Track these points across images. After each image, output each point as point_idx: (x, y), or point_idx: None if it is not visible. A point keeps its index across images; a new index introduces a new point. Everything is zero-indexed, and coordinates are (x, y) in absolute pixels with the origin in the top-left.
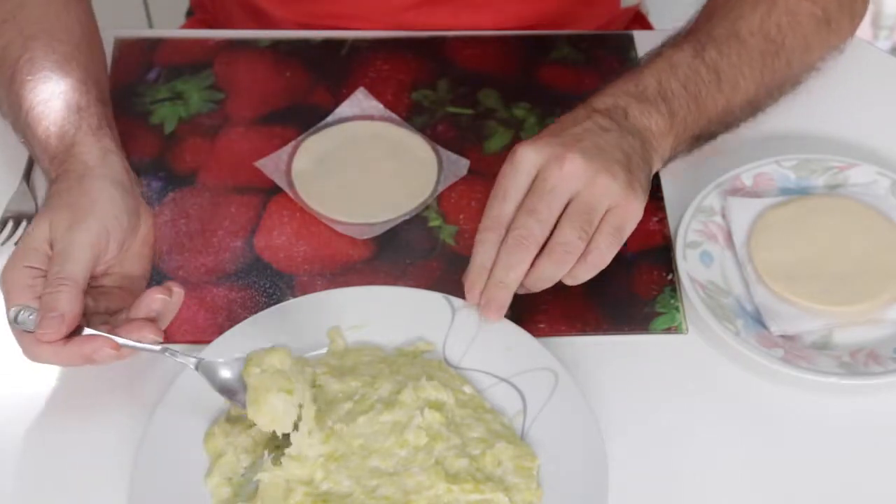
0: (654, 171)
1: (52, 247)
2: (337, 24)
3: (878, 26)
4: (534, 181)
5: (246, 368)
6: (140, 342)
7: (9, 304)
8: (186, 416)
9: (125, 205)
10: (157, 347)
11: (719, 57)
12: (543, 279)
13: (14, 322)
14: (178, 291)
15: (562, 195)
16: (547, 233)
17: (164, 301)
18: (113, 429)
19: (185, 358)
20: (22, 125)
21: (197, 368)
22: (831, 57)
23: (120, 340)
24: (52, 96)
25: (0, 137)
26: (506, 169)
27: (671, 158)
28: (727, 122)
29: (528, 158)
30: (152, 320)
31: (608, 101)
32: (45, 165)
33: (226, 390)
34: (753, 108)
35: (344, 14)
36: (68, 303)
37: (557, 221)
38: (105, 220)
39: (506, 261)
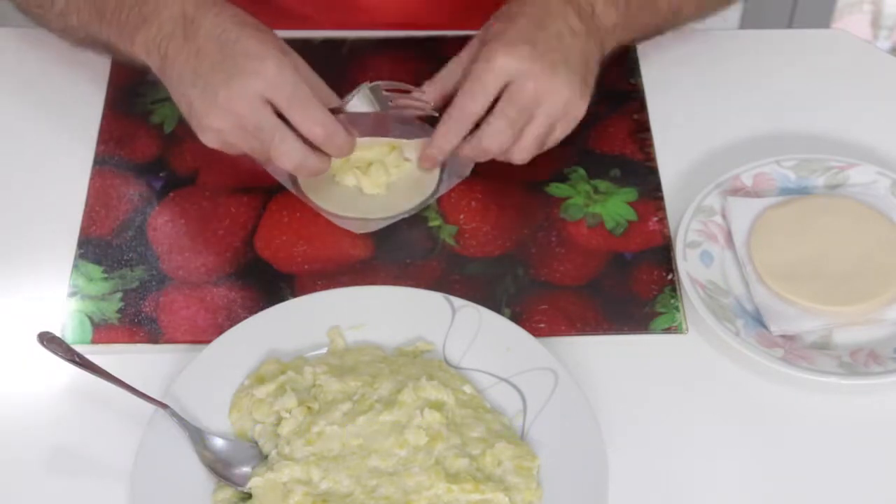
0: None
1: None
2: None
3: (878, 26)
4: (506, 86)
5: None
6: None
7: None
8: (186, 415)
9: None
10: None
11: None
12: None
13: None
14: None
15: (531, 108)
16: (515, 139)
17: None
18: (113, 428)
19: None
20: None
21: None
22: None
23: None
24: None
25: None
26: (484, 73)
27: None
28: (664, 28)
29: (506, 68)
30: None
31: None
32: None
33: None
34: (683, 20)
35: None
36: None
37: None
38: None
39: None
